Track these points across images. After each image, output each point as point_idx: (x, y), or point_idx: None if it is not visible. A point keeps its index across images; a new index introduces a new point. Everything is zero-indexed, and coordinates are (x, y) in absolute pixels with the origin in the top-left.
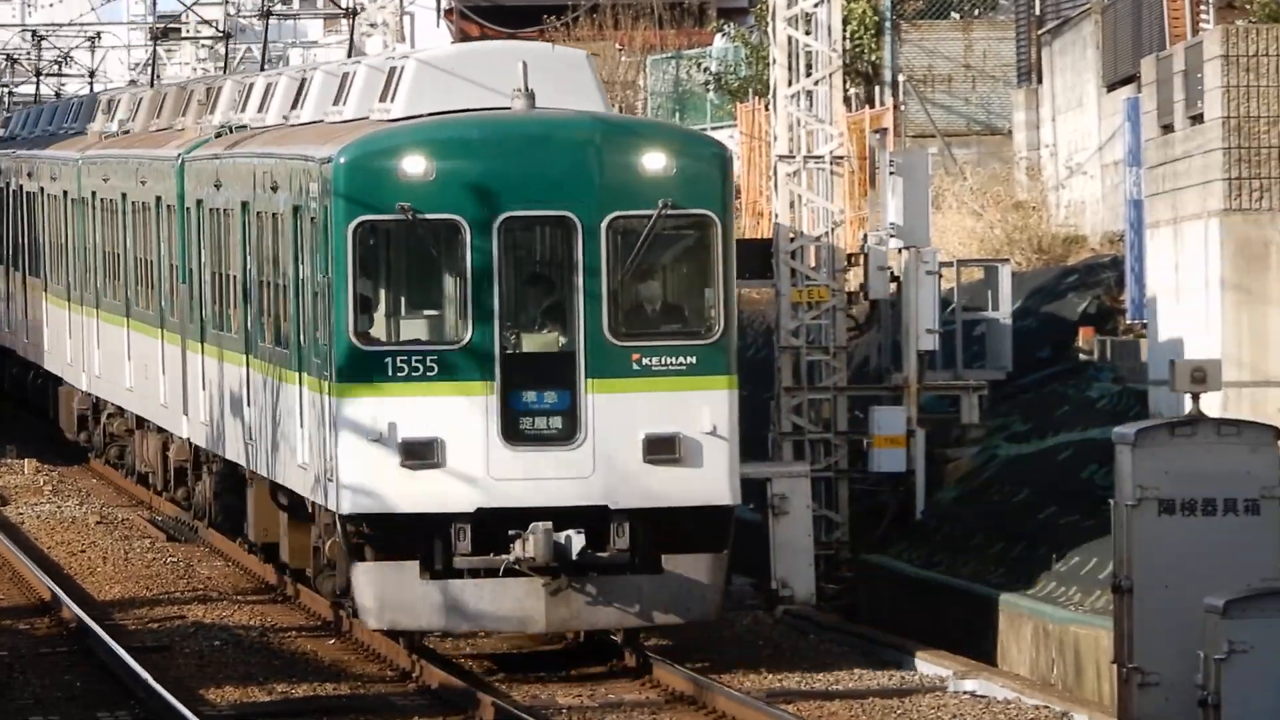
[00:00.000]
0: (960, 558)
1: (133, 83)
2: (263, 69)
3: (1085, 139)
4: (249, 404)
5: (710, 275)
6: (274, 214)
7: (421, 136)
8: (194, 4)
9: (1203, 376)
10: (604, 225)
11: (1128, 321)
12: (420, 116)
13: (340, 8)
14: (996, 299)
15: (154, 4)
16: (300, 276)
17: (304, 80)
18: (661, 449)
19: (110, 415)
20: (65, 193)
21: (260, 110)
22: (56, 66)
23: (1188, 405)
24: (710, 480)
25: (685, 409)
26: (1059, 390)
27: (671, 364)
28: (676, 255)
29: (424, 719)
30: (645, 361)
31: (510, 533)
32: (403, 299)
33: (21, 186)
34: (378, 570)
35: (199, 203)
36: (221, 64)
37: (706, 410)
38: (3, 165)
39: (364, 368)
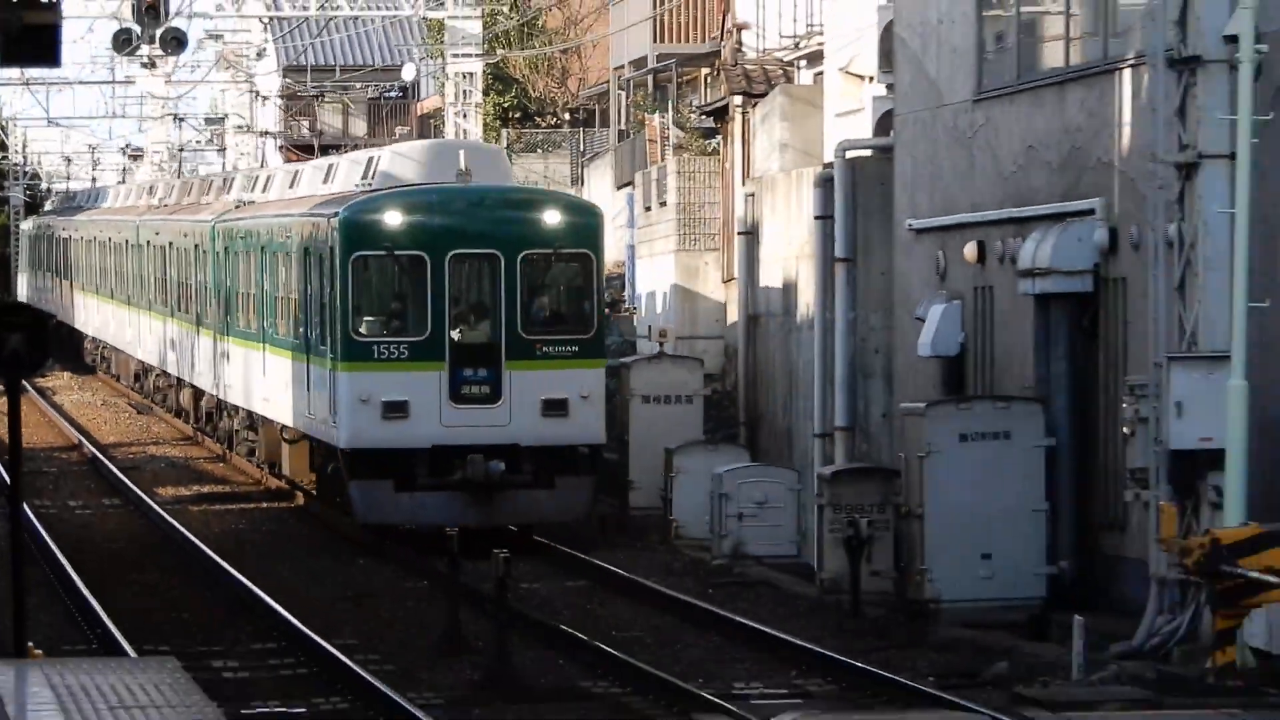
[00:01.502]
0: None
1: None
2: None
3: (606, 214)
4: (263, 375)
5: (588, 292)
6: (287, 253)
7: (397, 199)
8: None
9: (664, 333)
10: (519, 259)
11: (627, 305)
12: (392, 188)
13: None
14: None
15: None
16: (309, 292)
17: (297, 171)
18: (554, 408)
19: (144, 370)
20: (127, 240)
21: (264, 191)
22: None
23: (655, 349)
24: (586, 428)
25: (570, 381)
26: None
27: (562, 351)
28: (566, 279)
29: (267, 503)
30: (544, 349)
31: (455, 462)
32: (384, 307)
33: (82, 237)
34: (365, 486)
35: (226, 249)
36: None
37: (584, 382)
38: (68, 223)
39: (357, 352)
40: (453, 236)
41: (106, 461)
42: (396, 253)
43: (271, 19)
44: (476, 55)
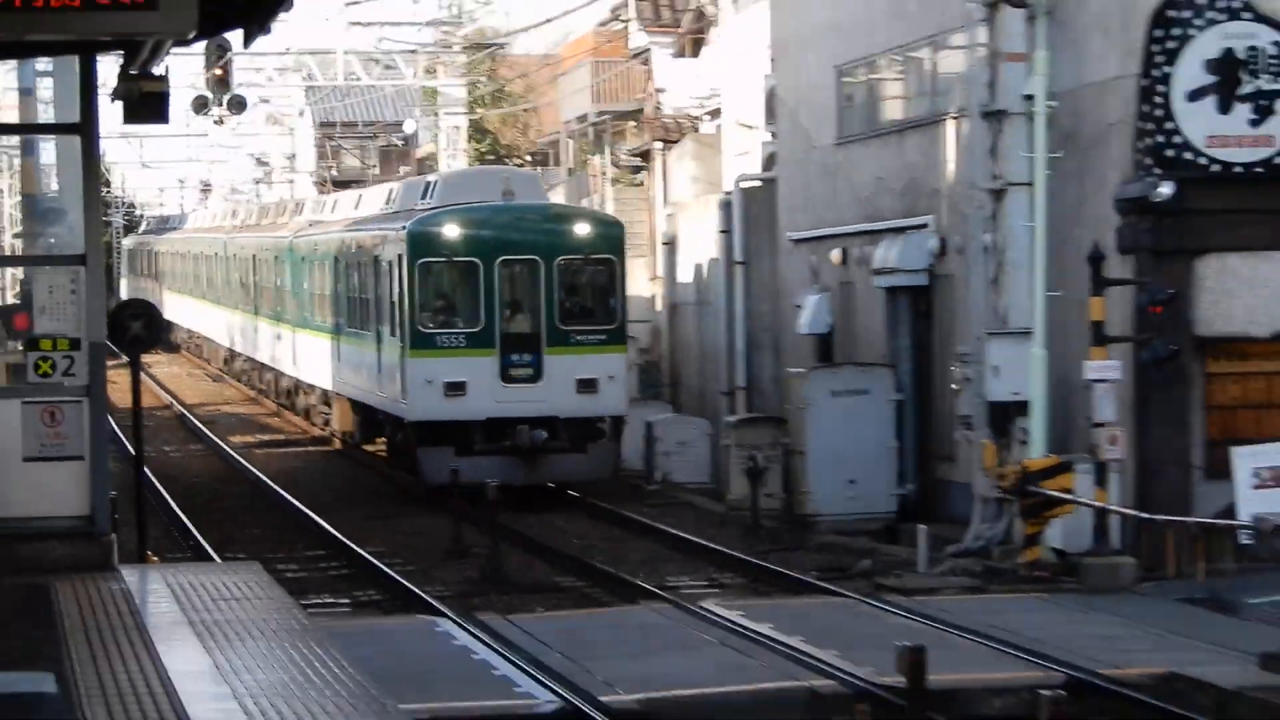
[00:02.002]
0: None
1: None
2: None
3: None
4: (336, 360)
5: (612, 290)
6: (359, 261)
7: (456, 215)
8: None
9: None
10: (555, 263)
11: None
12: (447, 206)
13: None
14: None
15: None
16: (379, 292)
17: (360, 195)
18: (586, 386)
19: (234, 355)
20: (216, 254)
21: (331, 211)
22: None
23: None
24: (612, 402)
25: (599, 363)
26: None
27: (591, 339)
28: (594, 280)
29: (313, 447)
30: (577, 338)
31: (506, 431)
32: (446, 304)
33: (172, 250)
34: (431, 452)
35: (303, 259)
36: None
37: (610, 365)
38: (159, 240)
39: (424, 341)
40: (501, 245)
41: (190, 416)
42: (454, 259)
43: (308, 87)
44: (461, 113)
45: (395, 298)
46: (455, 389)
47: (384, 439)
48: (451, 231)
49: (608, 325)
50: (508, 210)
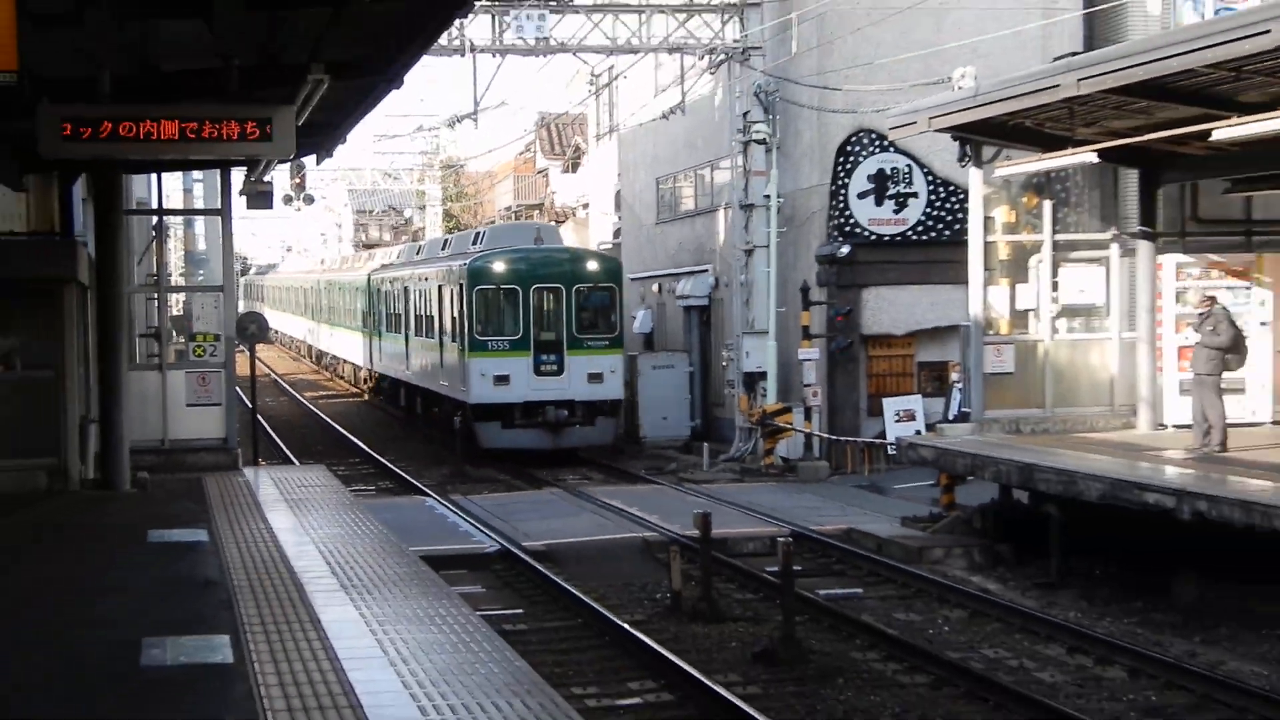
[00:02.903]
0: None
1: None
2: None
3: None
4: (407, 358)
5: (614, 309)
6: (424, 290)
7: (501, 255)
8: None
9: None
10: (574, 289)
11: None
12: (495, 249)
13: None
14: None
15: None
16: (443, 311)
17: (419, 245)
18: (595, 378)
19: (310, 349)
20: (308, 287)
21: (397, 258)
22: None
23: None
24: (613, 389)
25: (604, 361)
26: None
27: (599, 344)
28: (601, 302)
29: (354, 399)
30: (589, 343)
31: (537, 411)
32: (495, 318)
33: (273, 285)
34: (485, 425)
35: (378, 289)
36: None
37: (612, 362)
38: (262, 279)
39: (479, 345)
40: (534, 276)
41: (282, 381)
42: (501, 287)
43: (349, 189)
44: (438, 205)
45: (457, 314)
46: (502, 380)
47: (400, 400)
48: (498, 266)
49: (610, 334)
50: (539, 251)
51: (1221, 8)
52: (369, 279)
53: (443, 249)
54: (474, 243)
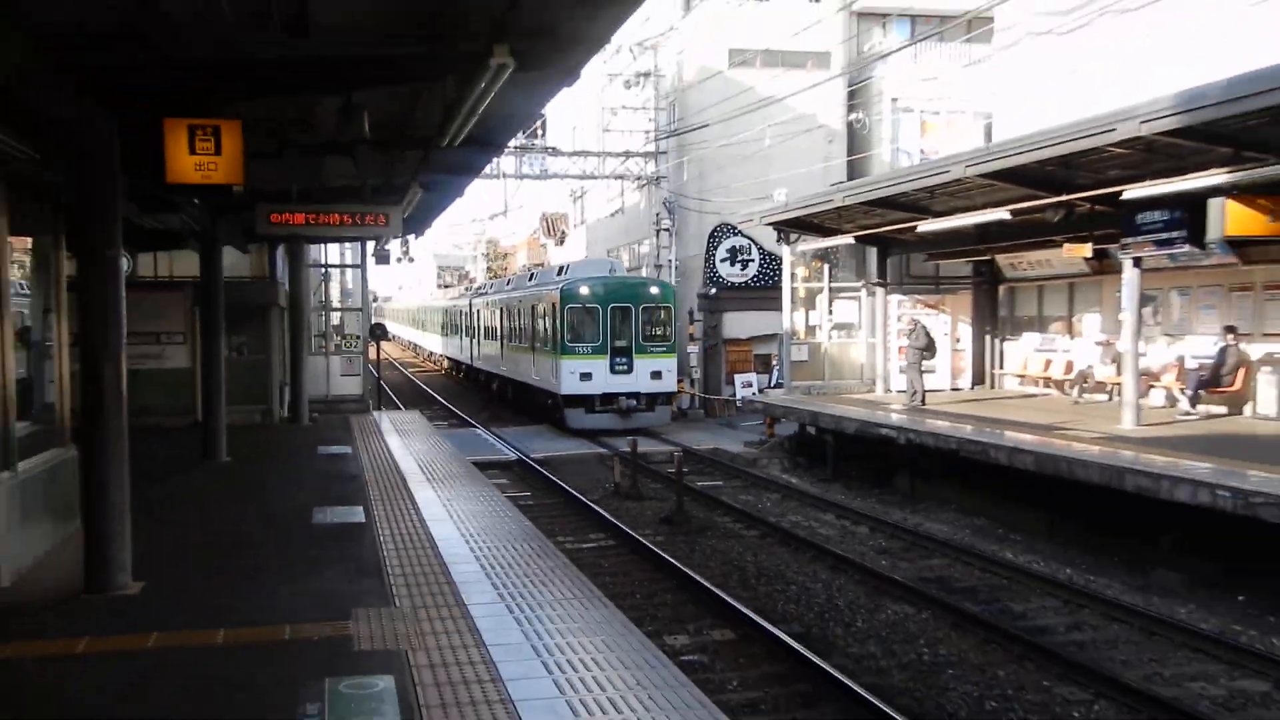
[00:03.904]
0: None
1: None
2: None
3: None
4: (502, 359)
5: (669, 323)
6: (518, 308)
7: (585, 281)
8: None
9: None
10: (640, 307)
11: None
12: (577, 278)
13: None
14: None
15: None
16: (537, 324)
17: (509, 278)
18: (656, 375)
19: (430, 354)
20: (411, 309)
21: (489, 286)
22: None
23: None
24: (669, 383)
25: (663, 363)
26: None
27: (659, 349)
28: (660, 318)
29: (441, 375)
30: (651, 349)
31: (612, 400)
32: (581, 330)
33: (397, 308)
34: (573, 411)
35: (477, 311)
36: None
37: (668, 364)
38: (383, 306)
39: (569, 350)
40: (610, 297)
41: (397, 364)
42: (586, 305)
43: (434, 254)
44: (484, 264)
45: (550, 326)
46: (585, 376)
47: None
48: (584, 290)
49: (667, 342)
50: (614, 279)
51: (923, 158)
52: (471, 301)
53: (530, 280)
54: (559, 274)
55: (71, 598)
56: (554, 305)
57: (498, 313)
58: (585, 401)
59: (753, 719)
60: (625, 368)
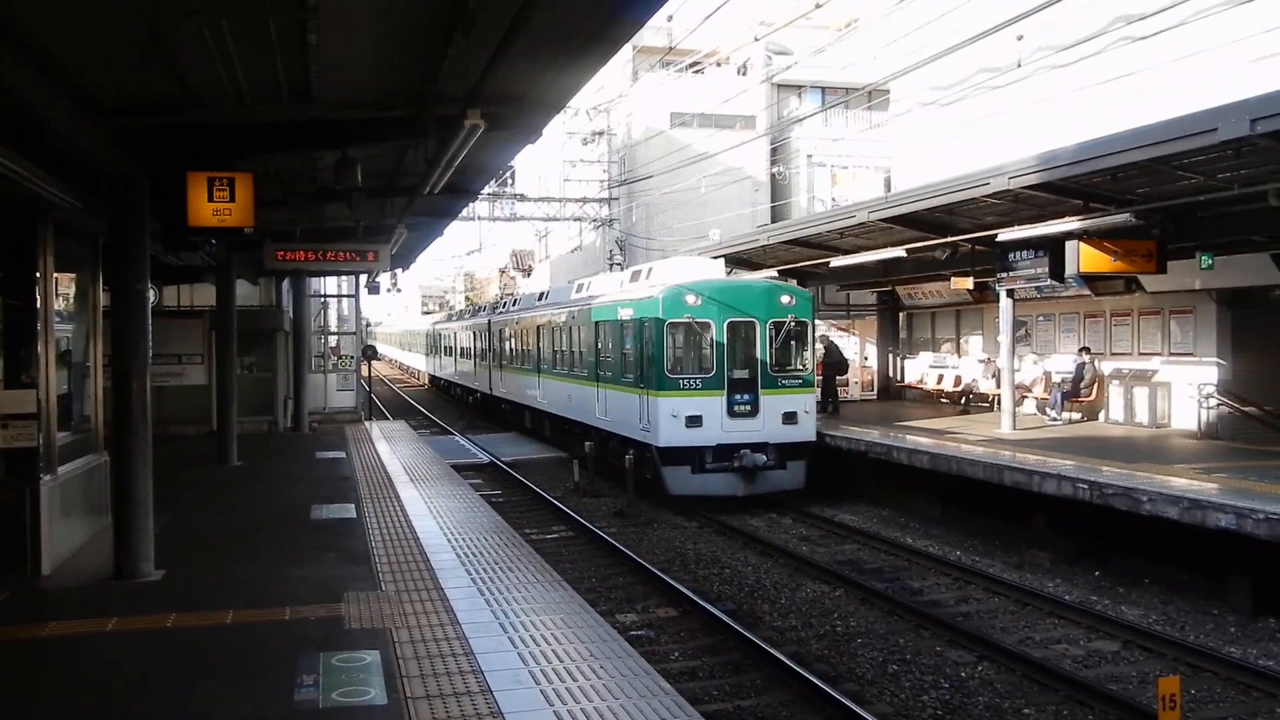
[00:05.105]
0: None
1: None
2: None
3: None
4: (569, 397)
5: (807, 344)
6: (569, 327)
7: (692, 286)
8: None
9: None
10: (769, 324)
11: None
12: (681, 283)
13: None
14: None
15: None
16: (602, 348)
17: (538, 293)
18: (790, 418)
19: (407, 366)
20: (396, 332)
21: (514, 304)
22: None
23: None
24: (806, 430)
25: (798, 400)
26: None
27: (793, 381)
28: (795, 337)
29: (431, 391)
30: (782, 381)
31: (732, 454)
32: (687, 355)
33: (386, 331)
34: (673, 471)
35: (497, 331)
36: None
37: (805, 401)
38: (379, 328)
39: (670, 384)
40: (729, 309)
41: (384, 379)
42: (696, 321)
43: (420, 285)
44: (462, 294)
45: (634, 349)
46: (695, 422)
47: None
48: (691, 299)
49: (804, 372)
50: (734, 283)
51: (834, 205)
52: (489, 323)
53: (578, 291)
54: (634, 279)
55: (103, 584)
56: (643, 321)
57: (523, 335)
58: (691, 457)
59: (691, 684)
60: (748, 408)
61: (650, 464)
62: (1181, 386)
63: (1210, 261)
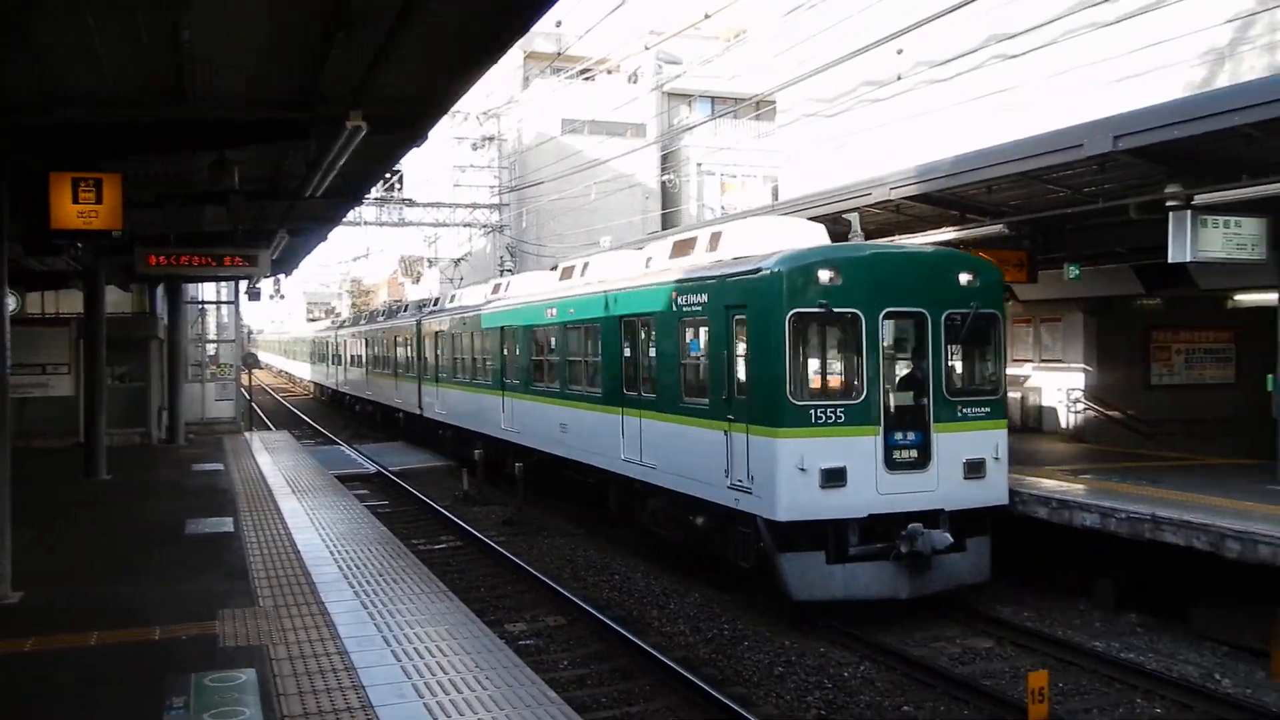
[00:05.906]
0: None
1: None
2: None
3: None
4: (563, 427)
5: (997, 352)
6: (557, 327)
7: (825, 259)
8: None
9: None
10: (943, 317)
11: None
12: (801, 254)
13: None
14: None
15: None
16: (655, 356)
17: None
18: (974, 470)
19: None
20: (281, 340)
21: (452, 299)
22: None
23: None
24: (996, 489)
25: (985, 442)
26: None
27: (976, 412)
28: (977, 339)
29: (310, 400)
30: (963, 411)
31: (891, 528)
32: (814, 369)
33: (268, 339)
34: (799, 559)
35: (434, 332)
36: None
37: (995, 442)
38: (263, 336)
39: (798, 417)
40: (884, 293)
41: (266, 388)
42: (832, 312)
43: (304, 292)
44: (348, 300)
45: (727, 359)
46: (835, 478)
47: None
48: (825, 275)
49: (991, 395)
50: (888, 253)
51: (723, 212)
52: (417, 324)
53: (580, 274)
54: (711, 246)
55: None
56: (737, 311)
57: (494, 337)
58: (824, 535)
59: (579, 691)
60: (914, 455)
61: (740, 541)
62: (1051, 392)
63: (1077, 272)
